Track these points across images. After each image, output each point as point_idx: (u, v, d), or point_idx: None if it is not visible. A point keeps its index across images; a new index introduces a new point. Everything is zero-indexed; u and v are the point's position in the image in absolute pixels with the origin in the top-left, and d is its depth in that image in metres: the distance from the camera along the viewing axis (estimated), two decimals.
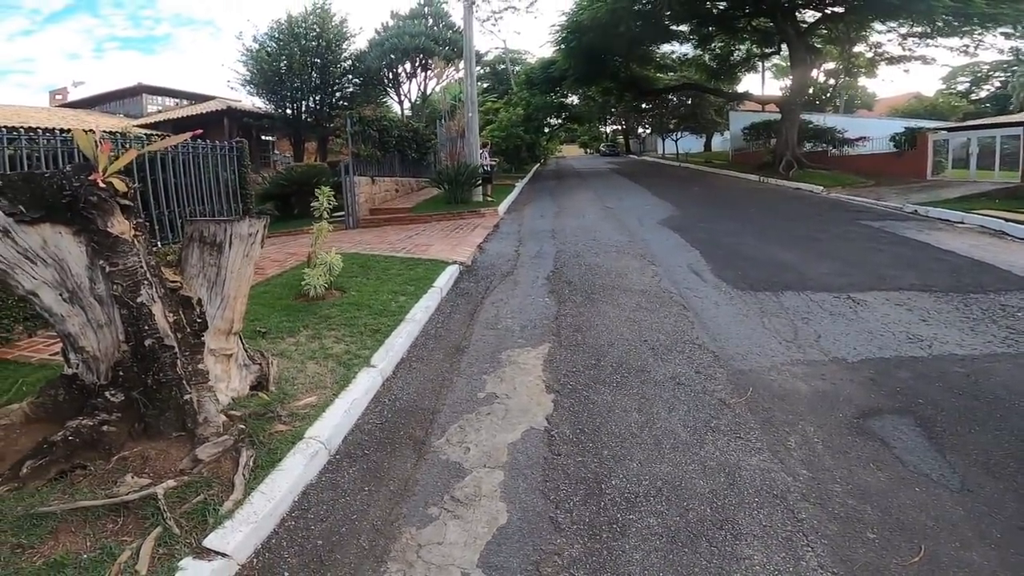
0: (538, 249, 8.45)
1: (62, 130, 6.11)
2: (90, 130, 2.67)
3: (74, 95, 28.38)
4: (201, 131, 4.22)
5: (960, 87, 44.47)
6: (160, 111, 24.53)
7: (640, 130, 55.40)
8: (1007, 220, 9.23)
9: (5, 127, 5.37)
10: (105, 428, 2.65)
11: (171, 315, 2.74)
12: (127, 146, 4.62)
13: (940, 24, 17.25)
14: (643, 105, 38.56)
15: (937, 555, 2.25)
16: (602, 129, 61.91)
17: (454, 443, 3.23)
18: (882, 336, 4.52)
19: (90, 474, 2.62)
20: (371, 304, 5.35)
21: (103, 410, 2.64)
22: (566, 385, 3.85)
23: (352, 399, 3.54)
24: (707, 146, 43.05)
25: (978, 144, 15.98)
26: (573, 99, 37.84)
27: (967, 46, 19.07)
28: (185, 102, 25.93)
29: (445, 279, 6.55)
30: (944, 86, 44.81)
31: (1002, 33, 17.51)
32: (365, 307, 5.26)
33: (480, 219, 12.34)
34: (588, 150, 65.74)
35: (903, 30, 19.82)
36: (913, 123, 21.45)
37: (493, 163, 16.72)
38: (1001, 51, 19.11)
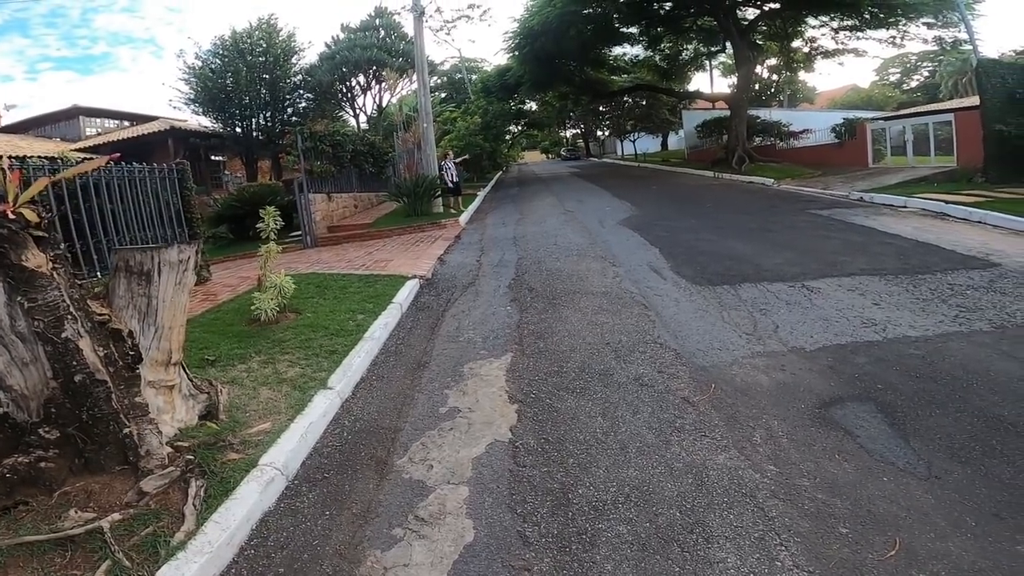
0: (500, 257, 8.37)
1: None
2: None
3: (7, 119, 27.03)
4: (119, 155, 4.00)
5: (892, 78, 46.65)
6: (99, 134, 23.56)
7: (599, 133, 56.27)
8: (947, 202, 9.64)
9: None
10: (43, 464, 2.55)
11: (101, 349, 2.57)
12: (56, 170, 4.35)
13: (867, 16, 18.02)
14: (600, 108, 39.24)
15: (913, 547, 2.22)
16: (562, 134, 62.67)
17: (417, 461, 3.12)
18: (837, 323, 4.60)
19: (32, 510, 2.53)
20: (327, 325, 5.18)
21: (38, 447, 2.54)
22: (529, 394, 3.78)
23: (308, 423, 3.39)
24: (664, 145, 43.99)
25: (913, 131, 16.67)
26: (532, 105, 38.22)
27: (894, 37, 20.00)
28: (126, 123, 24.98)
29: (405, 294, 6.41)
30: (877, 77, 46.92)
31: (924, 23, 18.36)
32: (321, 328, 5.09)
33: (441, 230, 12.22)
34: (550, 155, 66.40)
35: (835, 24, 20.68)
36: (851, 114, 22.22)
37: (458, 173, 16.00)
38: (925, 41, 20.04)
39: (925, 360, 3.81)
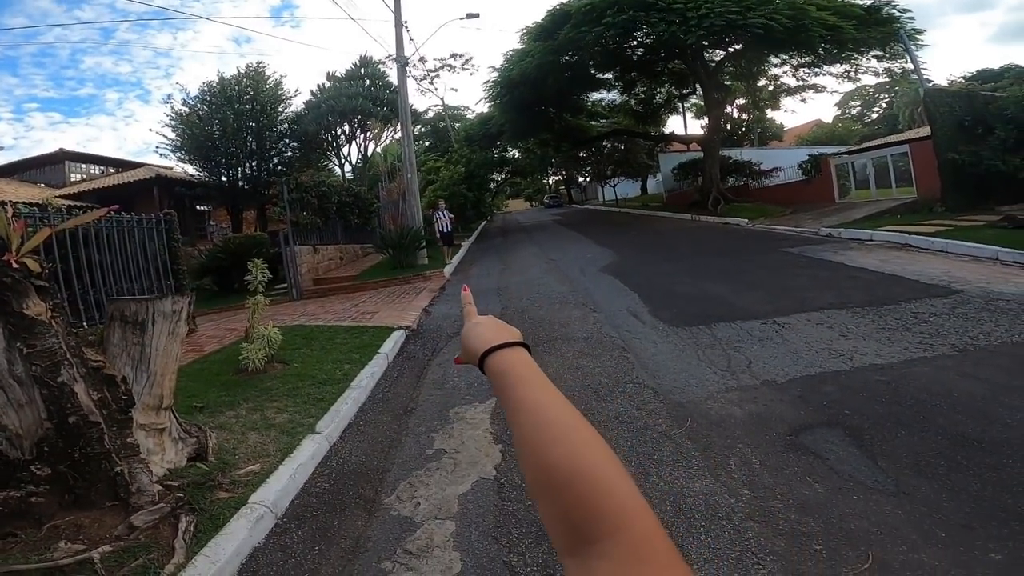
0: (484, 308, 8.26)
1: None
2: (2, 204, 2.63)
3: None
4: (118, 206, 4.14)
5: (854, 111, 48.51)
6: (84, 179, 23.62)
7: (580, 179, 57.57)
8: (910, 234, 10.08)
9: None
10: (33, 499, 2.61)
11: (95, 393, 2.66)
12: (47, 221, 4.46)
13: (822, 53, 18.94)
14: (580, 153, 40.21)
15: (886, 560, 2.29)
16: (545, 181, 64.03)
17: (404, 499, 3.19)
18: (807, 355, 4.79)
19: (22, 541, 2.58)
20: (315, 374, 5.26)
21: (29, 482, 2.61)
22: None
23: (297, 464, 3.46)
24: (643, 189, 44.94)
25: (874, 165, 17.27)
26: (514, 153, 39.10)
27: (848, 71, 21.02)
28: (111, 170, 25.07)
29: (391, 344, 6.51)
30: (840, 111, 48.82)
31: (874, 56, 19.31)
32: (308, 377, 5.17)
33: (426, 282, 12.36)
34: (533, 203, 67.59)
35: (794, 62, 21.76)
36: (817, 150, 23.01)
37: (450, 222, 15.59)
38: (876, 73, 21.12)
39: (890, 386, 3.98)
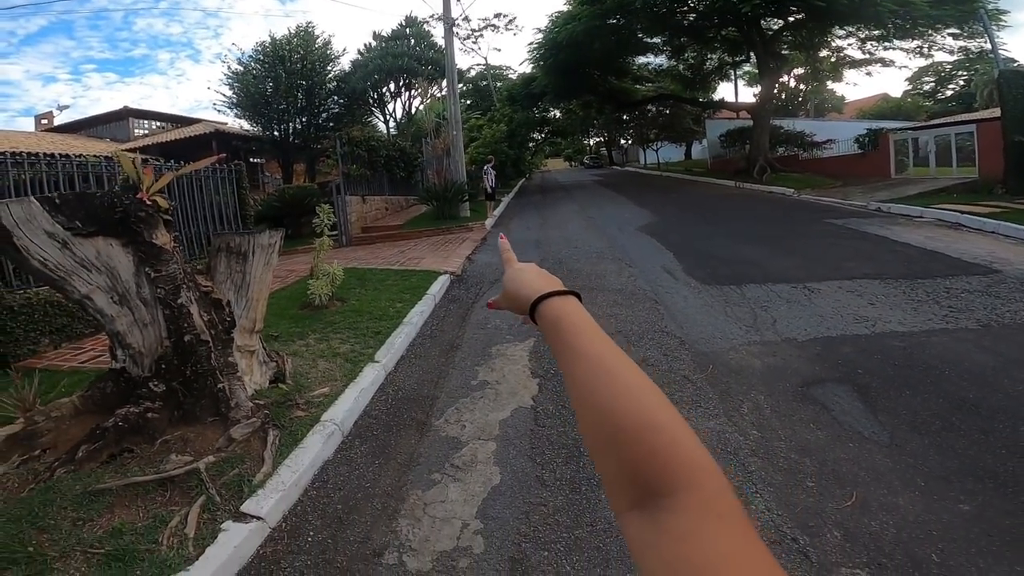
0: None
1: (67, 155, 6.52)
2: (132, 155, 3.12)
3: (59, 119, 28.62)
4: (225, 155, 4.66)
5: (926, 87, 45.67)
6: (147, 135, 24.79)
7: (622, 141, 56.48)
8: (962, 212, 9.86)
9: (26, 153, 5.82)
10: (149, 415, 3.06)
11: (205, 315, 3.17)
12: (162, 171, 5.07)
13: (892, 28, 18.10)
14: (623, 116, 39.46)
15: (868, 500, 2.57)
16: (585, 142, 62.99)
17: (452, 422, 3.67)
18: (831, 319, 5.04)
19: (137, 456, 3.01)
20: (371, 311, 5.81)
21: (147, 399, 3.06)
22: (549, 371, 4.32)
23: (360, 389, 3.98)
24: (687, 155, 43.92)
25: (936, 142, 16.72)
26: (556, 113, 38.67)
27: (920, 47, 19.93)
28: (170, 125, 26.20)
29: (438, 287, 7.01)
30: (911, 87, 46.05)
31: (950, 34, 18.34)
32: (366, 313, 5.72)
33: (468, 233, 12.83)
34: (573, 163, 66.71)
35: (862, 34, 20.71)
36: (878, 125, 22.22)
37: (495, 179, 16.84)
38: (952, 51, 19.91)
39: (905, 351, 4.22)
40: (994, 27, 16.17)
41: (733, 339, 4.71)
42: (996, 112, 13.96)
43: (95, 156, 6.70)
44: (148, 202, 2.87)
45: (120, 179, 3.88)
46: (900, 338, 4.50)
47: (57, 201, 2.85)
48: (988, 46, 16.85)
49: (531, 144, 39.47)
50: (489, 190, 16.19)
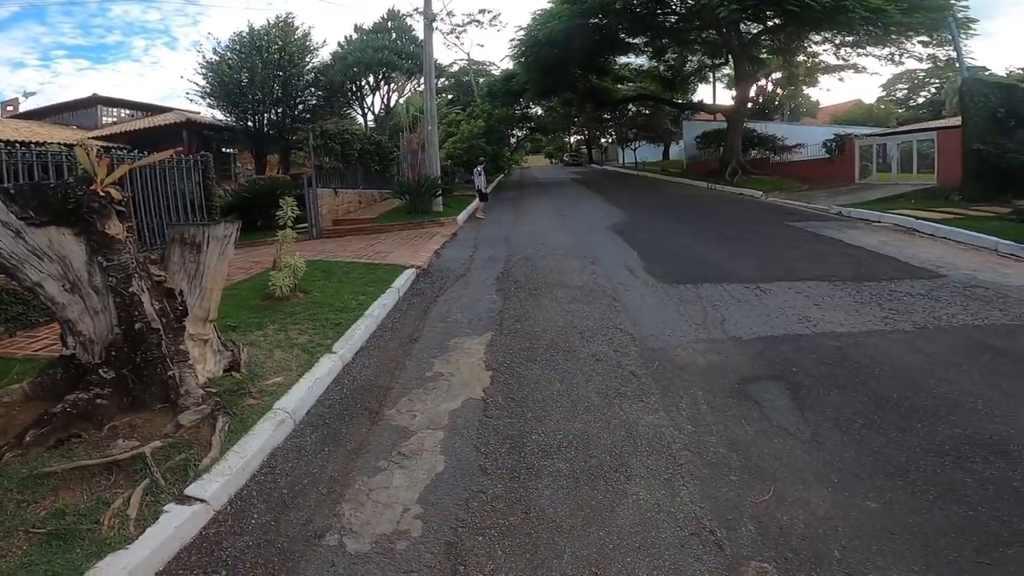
0: (491, 254, 9.03)
1: (33, 143, 6.45)
2: (83, 146, 3.16)
3: (25, 106, 27.81)
4: (182, 148, 4.69)
5: (899, 94, 46.81)
6: (115, 123, 24.21)
7: (602, 140, 56.91)
8: (917, 218, 10.24)
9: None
10: (99, 401, 3.12)
11: (156, 303, 3.23)
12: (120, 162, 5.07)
13: (864, 34, 18.58)
14: (603, 115, 39.79)
15: (783, 495, 2.67)
16: (566, 139, 63.30)
17: (403, 412, 3.78)
18: (777, 318, 5.25)
19: (85, 441, 3.05)
20: (333, 303, 5.87)
21: (97, 385, 3.12)
22: (503, 364, 4.45)
23: (315, 378, 4.06)
24: (665, 155, 44.40)
25: (898, 149, 17.27)
26: (537, 110, 38.79)
27: (893, 54, 20.55)
28: (140, 114, 25.64)
29: (403, 281, 7.09)
30: (884, 93, 47.17)
31: (920, 41, 18.92)
32: (327, 305, 5.78)
33: (439, 228, 12.91)
34: (553, 160, 66.96)
35: (836, 40, 21.26)
36: (848, 130, 22.88)
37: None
38: (920, 59, 20.59)
39: (840, 351, 4.42)
40: (963, 35, 16.67)
41: (681, 336, 4.90)
42: (958, 120, 14.39)
43: (57, 144, 6.63)
44: (102, 193, 2.91)
45: (79, 170, 3.90)
46: (838, 338, 4.70)
47: (12, 192, 2.89)
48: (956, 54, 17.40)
49: (512, 140, 39.53)
50: (481, 191, 16.27)
